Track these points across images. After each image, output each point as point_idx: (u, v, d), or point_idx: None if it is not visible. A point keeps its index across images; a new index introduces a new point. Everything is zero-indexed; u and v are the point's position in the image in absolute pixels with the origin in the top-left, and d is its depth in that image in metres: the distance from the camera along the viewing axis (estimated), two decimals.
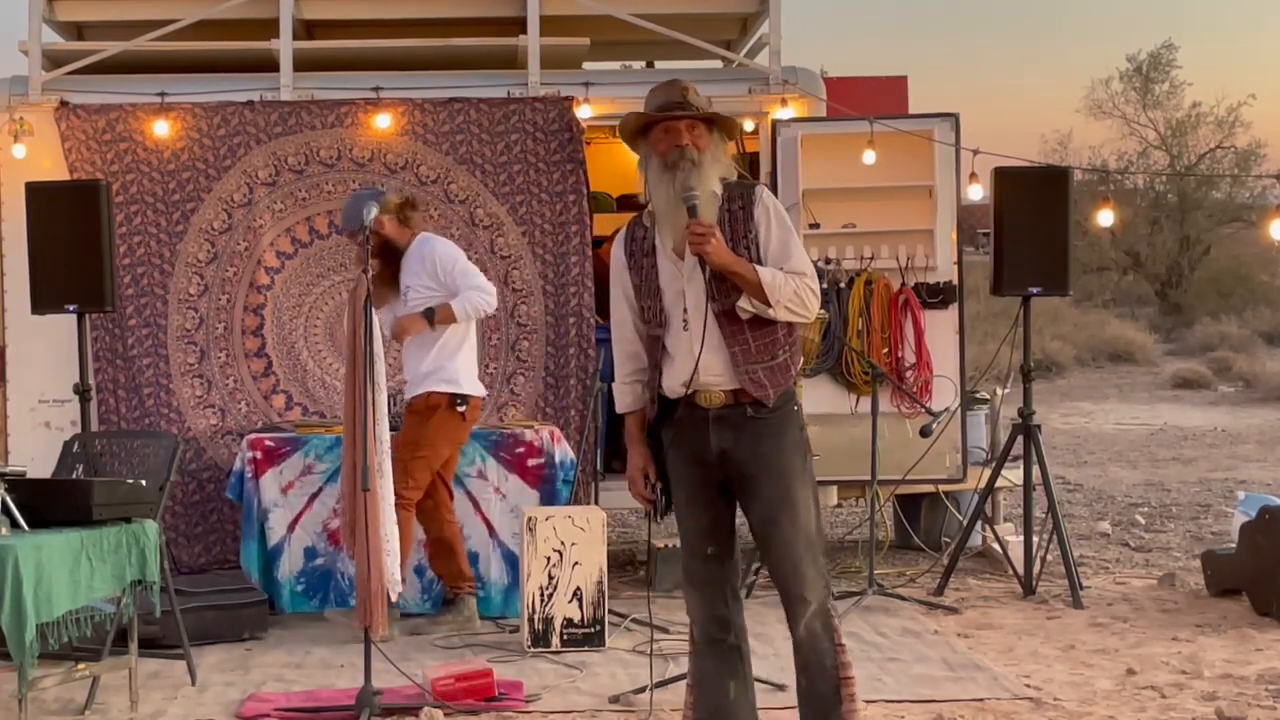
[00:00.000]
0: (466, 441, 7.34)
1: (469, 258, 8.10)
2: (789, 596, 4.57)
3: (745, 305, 4.49)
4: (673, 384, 4.56)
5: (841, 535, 9.48)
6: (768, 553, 4.59)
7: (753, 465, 4.52)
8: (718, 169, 4.56)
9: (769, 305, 4.46)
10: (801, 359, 4.70)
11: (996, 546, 8.44)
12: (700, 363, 4.47)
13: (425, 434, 7.08)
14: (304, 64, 8.27)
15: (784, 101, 8.38)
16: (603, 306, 8.74)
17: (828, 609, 4.59)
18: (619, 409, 4.82)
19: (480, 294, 7.04)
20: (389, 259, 7.08)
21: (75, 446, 6.74)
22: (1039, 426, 7.93)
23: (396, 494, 6.86)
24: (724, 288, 4.48)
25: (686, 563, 4.68)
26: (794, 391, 4.61)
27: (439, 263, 7.05)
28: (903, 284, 8.38)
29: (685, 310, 4.52)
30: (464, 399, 7.10)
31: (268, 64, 8.29)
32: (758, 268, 4.47)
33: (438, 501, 7.24)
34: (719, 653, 4.65)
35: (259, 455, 7.41)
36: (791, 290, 4.48)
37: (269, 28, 8.27)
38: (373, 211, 5.98)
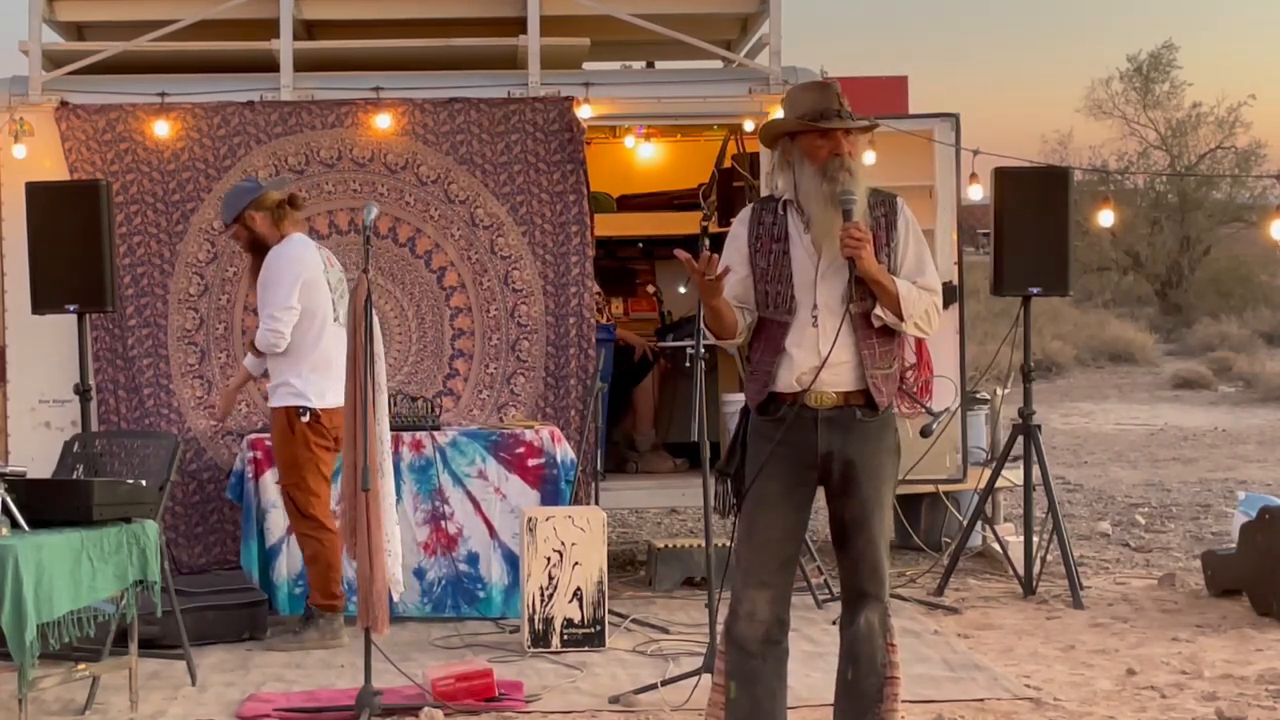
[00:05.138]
0: (335, 452, 6.76)
1: (468, 258, 8.14)
2: (860, 591, 4.64)
3: (880, 313, 4.55)
4: (789, 379, 4.57)
5: None
6: (850, 549, 4.64)
7: (855, 466, 4.58)
8: (866, 175, 4.68)
9: (901, 319, 4.55)
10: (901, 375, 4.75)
11: (996, 546, 8.44)
12: (828, 361, 4.51)
13: (284, 455, 6.84)
14: (304, 64, 8.27)
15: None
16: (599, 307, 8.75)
17: (888, 608, 4.68)
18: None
19: (266, 327, 6.73)
20: (259, 256, 6.89)
21: (75, 446, 6.74)
22: (1039, 427, 7.93)
23: (313, 517, 6.79)
24: (863, 291, 4.54)
25: (756, 564, 4.62)
26: (894, 401, 4.68)
27: (262, 273, 6.84)
28: None
29: (815, 306, 4.56)
30: (306, 410, 6.76)
31: (268, 64, 8.28)
32: (895, 280, 4.56)
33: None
34: (775, 655, 4.66)
35: (259, 455, 7.40)
36: (923, 308, 4.59)
37: (269, 28, 8.26)
38: (374, 212, 5.97)
